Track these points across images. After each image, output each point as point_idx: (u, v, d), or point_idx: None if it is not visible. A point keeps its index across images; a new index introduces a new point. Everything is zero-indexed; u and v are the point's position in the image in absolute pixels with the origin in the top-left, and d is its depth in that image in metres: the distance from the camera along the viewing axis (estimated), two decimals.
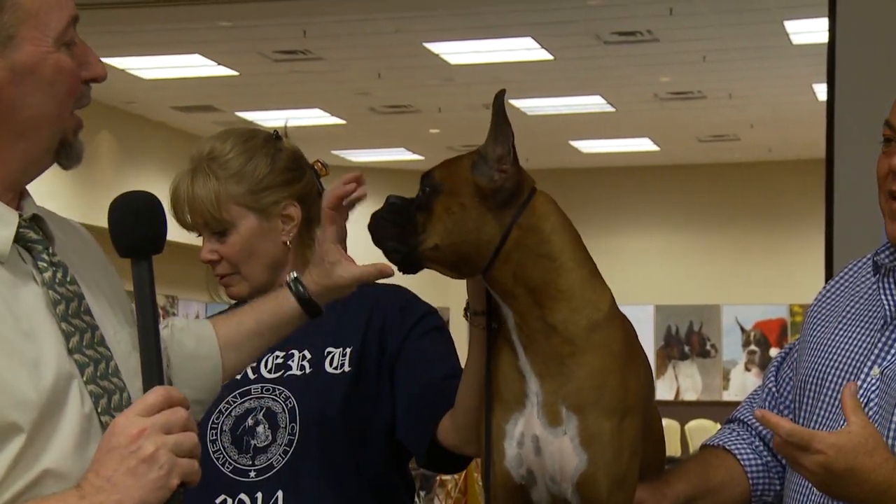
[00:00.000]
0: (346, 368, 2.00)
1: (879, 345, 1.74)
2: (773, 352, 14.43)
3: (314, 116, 11.85)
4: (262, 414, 2.00)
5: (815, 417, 1.78)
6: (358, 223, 1.80)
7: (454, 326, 2.43)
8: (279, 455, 1.97)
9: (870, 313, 1.79)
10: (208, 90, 10.90)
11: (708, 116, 12.17)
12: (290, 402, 1.99)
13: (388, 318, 2.01)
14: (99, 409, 1.44)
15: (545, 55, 9.70)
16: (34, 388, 1.38)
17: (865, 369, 1.74)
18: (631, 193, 14.94)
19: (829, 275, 3.51)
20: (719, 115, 12.07)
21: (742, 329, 14.72)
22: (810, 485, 1.71)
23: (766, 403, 1.94)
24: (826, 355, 1.80)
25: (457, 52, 9.65)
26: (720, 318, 14.81)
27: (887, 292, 1.76)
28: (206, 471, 1.98)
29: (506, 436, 1.65)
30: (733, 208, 14.64)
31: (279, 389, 2.01)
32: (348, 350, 2.01)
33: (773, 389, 1.95)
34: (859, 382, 1.72)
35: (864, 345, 1.76)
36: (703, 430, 13.74)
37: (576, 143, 13.61)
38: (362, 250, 1.84)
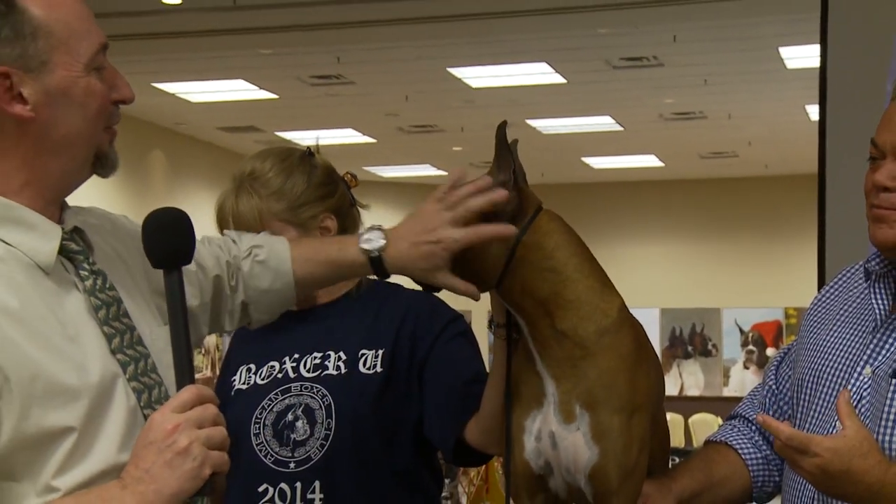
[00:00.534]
0: (378, 369, 1.99)
1: (871, 346, 1.73)
2: (770, 351, 14.38)
3: (347, 136, 11.87)
4: (301, 410, 1.99)
5: (812, 413, 1.78)
6: None
7: (475, 328, 2.43)
8: (316, 448, 1.97)
9: (862, 316, 1.78)
10: (251, 112, 10.93)
11: (709, 135, 12.14)
12: (326, 400, 1.98)
13: (418, 323, 2.00)
14: (142, 404, 1.46)
15: (559, 79, 9.70)
16: (82, 387, 1.39)
17: (858, 368, 1.73)
18: (638, 206, 14.92)
19: (821, 280, 3.49)
20: (719, 133, 12.03)
21: (741, 330, 14.66)
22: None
23: (767, 400, 1.94)
24: (822, 355, 1.79)
25: (478, 76, 9.65)
26: (720, 320, 14.76)
27: (877, 297, 1.76)
28: (250, 462, 1.99)
29: (525, 431, 1.65)
30: (732, 219, 14.60)
31: (317, 388, 2.00)
32: (380, 352, 2.00)
33: (773, 387, 1.94)
34: (853, 381, 1.72)
35: (857, 346, 1.75)
36: (704, 422, 13.68)
37: (587, 160, 13.58)
38: None
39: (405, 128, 11.68)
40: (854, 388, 1.70)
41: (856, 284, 1.85)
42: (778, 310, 14.45)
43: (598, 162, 13.69)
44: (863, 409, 1.67)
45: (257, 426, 2.01)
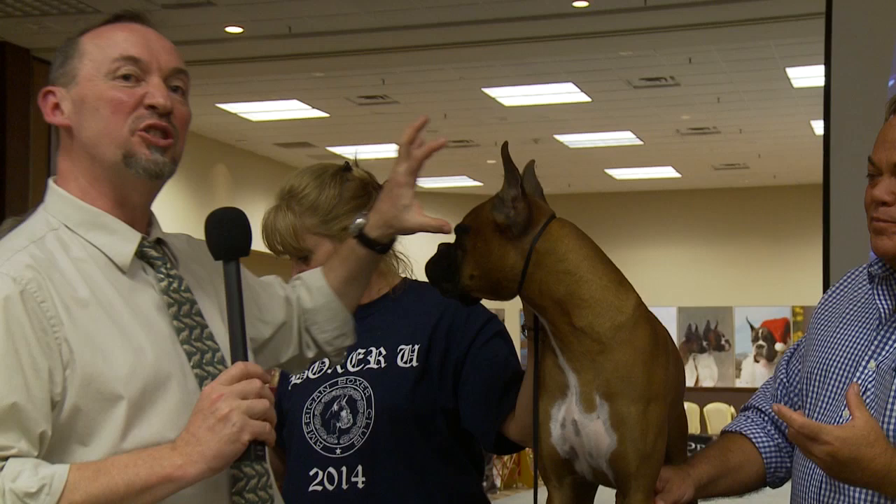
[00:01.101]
0: (414, 363, 1.98)
1: (875, 342, 1.72)
2: (779, 346, 14.27)
3: (391, 150, 11.83)
4: (345, 401, 1.99)
5: (820, 404, 1.76)
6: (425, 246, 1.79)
7: (507, 325, 2.42)
8: (359, 435, 1.96)
9: (866, 315, 1.77)
10: (304, 129, 10.98)
11: (721, 148, 12.06)
12: (367, 391, 1.98)
13: (454, 322, 1.98)
14: (202, 388, 1.48)
15: (584, 97, 9.67)
16: (138, 366, 1.43)
17: (863, 363, 1.71)
18: (657, 213, 14.85)
19: (826, 281, 3.47)
20: (731, 147, 11.96)
21: (751, 327, 14.56)
22: (813, 465, 1.69)
23: (778, 392, 1.92)
24: (829, 351, 1.78)
25: (510, 95, 9.64)
26: (733, 317, 14.66)
27: (880, 297, 1.74)
28: (302, 448, 2.00)
29: (551, 419, 1.64)
30: (743, 225, 14.51)
31: (359, 380, 2.00)
32: (417, 347, 1.99)
33: (784, 380, 1.92)
34: (858, 374, 1.70)
35: (862, 342, 1.74)
36: (718, 411, 13.61)
37: (610, 171, 13.54)
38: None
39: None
40: (860, 382, 1.68)
41: (860, 286, 1.83)
42: (786, 308, 14.34)
43: (619, 173, 13.64)
44: (868, 401, 1.65)
45: (308, 416, 2.01)
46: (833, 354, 1.77)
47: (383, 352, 2.01)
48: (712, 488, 1.80)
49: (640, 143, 11.68)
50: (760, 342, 14.50)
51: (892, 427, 1.61)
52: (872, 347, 1.71)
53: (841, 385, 1.72)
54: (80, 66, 1.49)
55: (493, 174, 12.80)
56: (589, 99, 9.71)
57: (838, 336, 1.78)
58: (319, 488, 1.96)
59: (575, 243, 1.64)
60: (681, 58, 8.39)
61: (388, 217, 1.70)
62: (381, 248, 1.73)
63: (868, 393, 1.68)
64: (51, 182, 1.54)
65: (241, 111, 10.19)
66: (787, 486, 1.87)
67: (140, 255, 1.51)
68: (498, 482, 10.60)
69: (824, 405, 1.74)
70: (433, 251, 1.70)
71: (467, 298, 1.69)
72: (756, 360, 14.47)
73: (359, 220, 1.72)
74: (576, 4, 7.09)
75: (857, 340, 1.74)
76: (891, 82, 3.44)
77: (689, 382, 14.41)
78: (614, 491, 1.67)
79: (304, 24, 7.48)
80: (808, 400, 1.80)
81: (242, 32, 7.67)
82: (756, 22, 7.35)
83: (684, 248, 14.84)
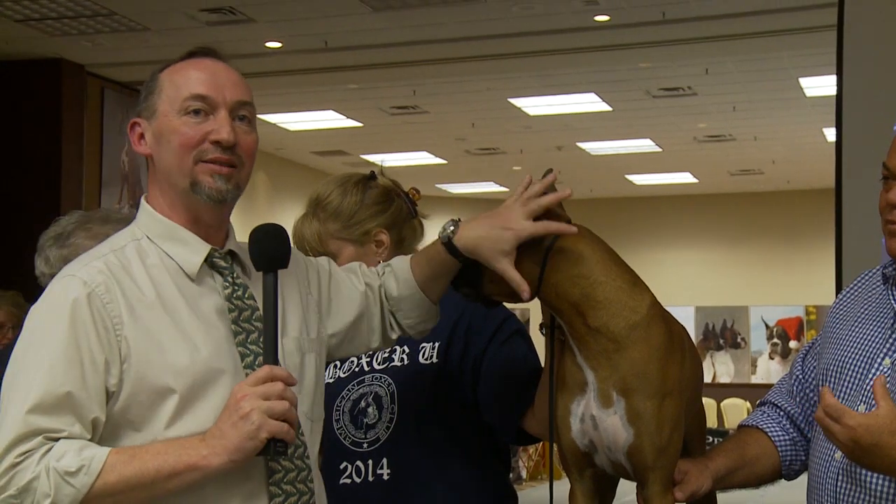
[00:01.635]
0: (435, 360, 1.97)
1: (890, 340, 1.70)
2: (793, 344, 14.16)
3: (421, 157, 11.91)
4: (371, 398, 1.99)
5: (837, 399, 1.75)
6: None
7: (535, 323, 2.41)
8: (383, 430, 1.96)
9: (881, 314, 1.75)
10: (340, 138, 11.02)
11: (737, 155, 11.99)
12: (391, 388, 1.98)
13: (473, 320, 1.97)
14: None
15: (605, 107, 9.65)
16: (190, 361, 1.50)
17: (878, 360, 1.70)
18: (675, 217, 14.79)
19: (838, 281, 3.44)
20: (746, 153, 11.89)
21: (766, 325, 14.46)
22: (831, 456, 1.67)
23: (794, 388, 1.90)
24: (845, 348, 1.76)
25: (534, 105, 9.63)
26: (748, 316, 14.57)
27: (894, 297, 1.73)
28: (332, 443, 2.00)
29: (571, 414, 1.64)
30: (758, 228, 14.42)
31: (384, 377, 2.00)
32: (437, 344, 1.98)
33: (800, 376, 1.90)
34: (873, 371, 1.69)
35: (877, 340, 1.72)
36: (734, 406, 13.53)
37: (630, 177, 13.49)
38: None
39: (472, 150, 11.70)
40: (875, 377, 1.67)
41: (874, 286, 1.81)
42: (799, 307, 14.23)
43: (639, 179, 13.59)
44: None
45: (337, 413, 2.01)
46: (848, 352, 1.75)
47: (406, 349, 2.01)
48: (729, 480, 1.79)
49: (659, 150, 11.63)
50: (775, 340, 14.40)
51: None
52: (887, 345, 1.70)
53: (856, 381, 1.70)
54: (158, 101, 1.59)
55: (518, 181, 12.75)
56: (610, 108, 9.68)
57: (853, 334, 1.77)
58: (349, 481, 1.97)
59: (589, 247, 1.63)
60: (698, 69, 8.35)
61: (481, 248, 1.65)
62: (464, 259, 1.69)
63: None
64: (143, 199, 1.65)
65: (279, 121, 10.24)
66: (802, 479, 1.86)
67: (210, 264, 1.59)
68: (524, 473, 10.58)
69: (840, 400, 1.72)
70: None
71: (488, 301, 1.70)
72: (771, 358, 14.37)
73: (450, 228, 1.68)
74: (597, 18, 7.08)
75: (872, 338, 1.73)
76: None
77: (707, 379, 14.32)
78: (636, 483, 1.66)
79: (340, 39, 7.51)
80: None
81: (281, 47, 7.71)
82: (770, 34, 7.32)
83: (701, 250, 14.76)
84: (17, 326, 3.87)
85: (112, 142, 8.21)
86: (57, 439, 1.43)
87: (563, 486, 1.74)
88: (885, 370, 1.67)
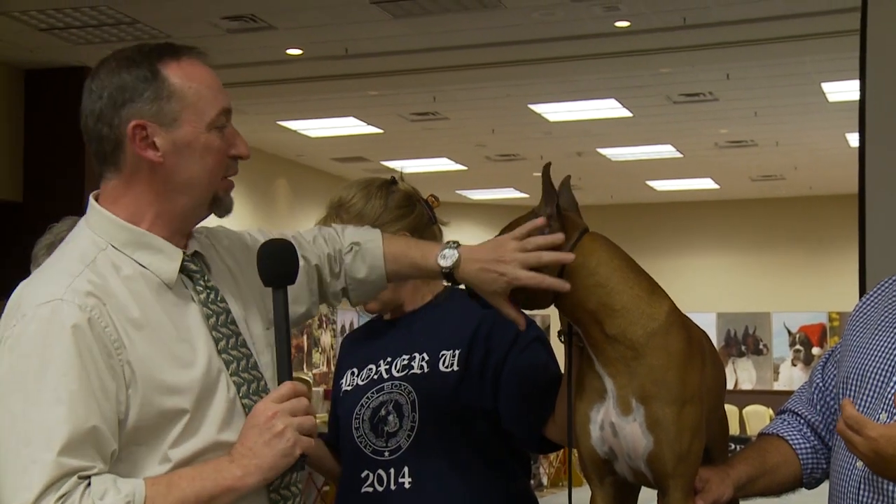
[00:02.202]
0: (455, 368, 1.97)
1: None
2: (816, 350, 14.07)
3: (442, 164, 11.92)
4: (391, 406, 1.98)
5: (857, 408, 1.72)
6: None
7: (554, 329, 2.40)
8: (405, 438, 1.96)
9: None
10: (360, 145, 11.05)
11: (759, 160, 11.93)
12: (411, 396, 1.97)
13: (493, 328, 1.97)
14: (240, 394, 1.54)
15: (626, 113, 9.63)
16: (189, 381, 1.48)
17: None
18: (696, 223, 14.73)
19: (862, 287, 3.41)
20: (768, 159, 11.83)
21: (789, 332, 14.37)
22: (853, 465, 1.66)
23: (814, 396, 1.88)
24: (865, 356, 1.74)
25: (555, 111, 9.62)
26: (770, 323, 14.48)
27: None
28: (353, 452, 2.00)
29: (590, 421, 1.63)
30: (781, 234, 14.34)
31: (404, 385, 1.99)
32: (457, 352, 1.98)
33: (820, 384, 1.89)
34: (894, 380, 1.67)
35: None
36: (756, 413, 13.45)
37: (651, 183, 13.44)
38: None
39: (492, 156, 11.69)
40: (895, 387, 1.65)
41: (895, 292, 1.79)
42: (822, 314, 14.13)
43: (660, 185, 13.54)
44: None
45: (357, 421, 2.01)
46: (869, 360, 1.73)
47: (426, 357, 2.00)
48: (750, 488, 1.77)
49: (680, 155, 11.59)
50: (798, 346, 14.30)
51: None
52: None
53: (876, 390, 1.68)
54: (180, 109, 1.51)
55: (538, 186, 12.56)
56: (630, 114, 9.66)
57: (874, 342, 1.74)
58: (370, 490, 1.96)
59: (606, 256, 1.63)
60: (719, 74, 8.32)
61: (477, 287, 1.68)
62: (456, 284, 1.73)
63: None
64: (93, 202, 1.56)
65: (300, 128, 10.27)
66: (824, 487, 1.84)
67: (181, 269, 1.55)
68: (544, 480, 10.55)
69: (860, 409, 1.70)
70: None
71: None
72: (793, 364, 14.28)
73: (451, 259, 1.68)
74: (618, 24, 7.07)
75: (893, 346, 1.71)
76: None
77: (729, 385, 14.19)
78: (657, 491, 1.65)
79: (360, 46, 7.53)
80: None
81: (302, 54, 7.74)
82: (792, 39, 7.28)
83: (723, 256, 14.69)
84: None
85: None
86: (88, 477, 1.38)
87: (582, 493, 1.73)
88: None
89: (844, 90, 8.46)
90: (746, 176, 12.89)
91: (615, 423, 1.59)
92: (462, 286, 1.75)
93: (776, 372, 14.41)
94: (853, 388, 1.73)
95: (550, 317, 10.58)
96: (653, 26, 7.09)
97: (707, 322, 13.77)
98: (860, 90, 3.56)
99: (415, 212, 2.07)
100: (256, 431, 1.46)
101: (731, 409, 12.91)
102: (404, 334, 2.05)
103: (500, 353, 1.96)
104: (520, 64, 7.93)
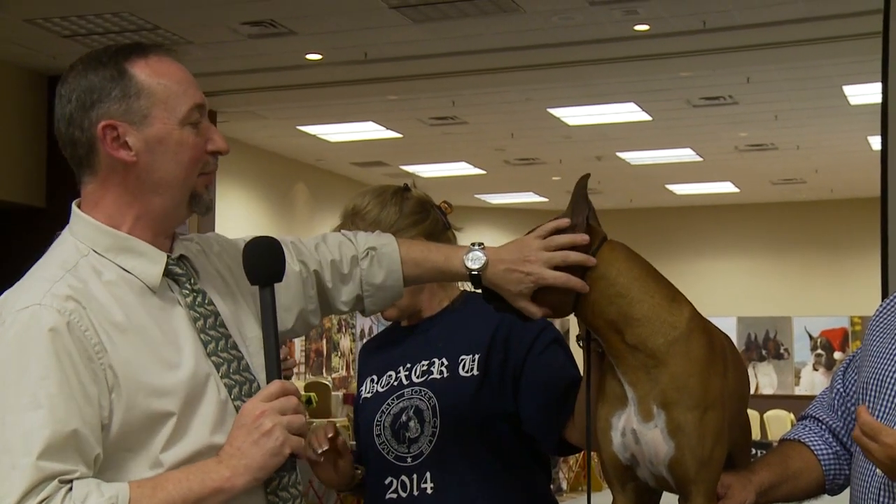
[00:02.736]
0: (475, 372, 1.96)
1: None
2: (838, 355, 13.98)
3: (461, 168, 11.92)
4: (412, 412, 1.98)
5: (876, 414, 1.70)
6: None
7: (573, 332, 2.40)
8: (426, 444, 1.95)
9: None
10: (379, 149, 11.06)
11: (779, 164, 11.88)
12: (432, 401, 1.97)
13: (511, 331, 1.96)
14: (232, 396, 1.52)
15: (645, 116, 9.60)
16: (177, 382, 1.46)
17: None
18: (716, 226, 14.67)
19: (884, 291, 3.39)
20: (789, 162, 11.77)
21: (810, 336, 14.28)
22: (872, 471, 1.64)
23: (835, 402, 1.87)
24: (884, 362, 1.73)
25: (574, 115, 9.61)
26: (791, 327, 14.40)
27: None
28: (376, 459, 2.00)
29: (611, 427, 1.62)
30: (801, 238, 14.26)
31: (424, 391, 1.99)
32: (477, 357, 1.97)
33: (841, 390, 1.87)
34: None
35: None
36: (778, 418, 13.36)
37: (671, 187, 13.40)
38: None
39: (511, 161, 11.69)
40: None
41: None
42: (844, 318, 14.04)
43: (680, 189, 13.49)
44: None
45: (378, 428, 2.00)
46: (889, 365, 1.71)
47: (445, 362, 2.00)
48: (772, 494, 1.76)
49: (700, 159, 11.55)
50: (819, 351, 14.21)
51: None
52: None
53: (895, 396, 1.67)
54: (149, 106, 1.49)
55: (558, 190, 12.76)
56: (650, 118, 9.63)
57: (893, 348, 1.73)
58: (395, 496, 1.96)
59: (626, 265, 1.62)
60: (739, 77, 8.29)
61: (502, 288, 1.67)
62: (481, 286, 1.71)
63: None
64: (75, 208, 1.54)
65: (319, 133, 10.30)
66: (846, 494, 1.83)
67: (166, 272, 1.53)
68: (564, 485, 10.52)
69: (880, 415, 1.69)
70: None
71: (523, 315, 1.69)
72: (815, 369, 14.19)
73: (482, 262, 1.67)
74: (637, 28, 7.05)
75: None
76: None
77: (749, 390, 14.17)
78: (678, 497, 1.64)
79: (379, 51, 7.55)
80: None
81: (321, 59, 7.76)
82: (813, 42, 7.24)
83: (743, 260, 14.62)
84: None
85: None
86: (70, 481, 1.35)
87: (602, 498, 1.73)
88: None
89: (866, 93, 8.41)
90: (767, 179, 12.83)
91: (637, 430, 1.59)
92: (478, 290, 1.74)
93: (797, 376, 14.32)
94: (872, 393, 1.72)
95: (569, 321, 10.53)
96: (673, 30, 7.07)
97: (727, 326, 13.63)
98: (882, 93, 3.54)
99: (429, 217, 2.08)
100: (244, 431, 1.44)
101: (752, 414, 12.82)
102: (423, 340, 2.05)
103: (519, 356, 1.96)
104: (539, 68, 7.92)
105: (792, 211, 14.26)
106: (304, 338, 11.13)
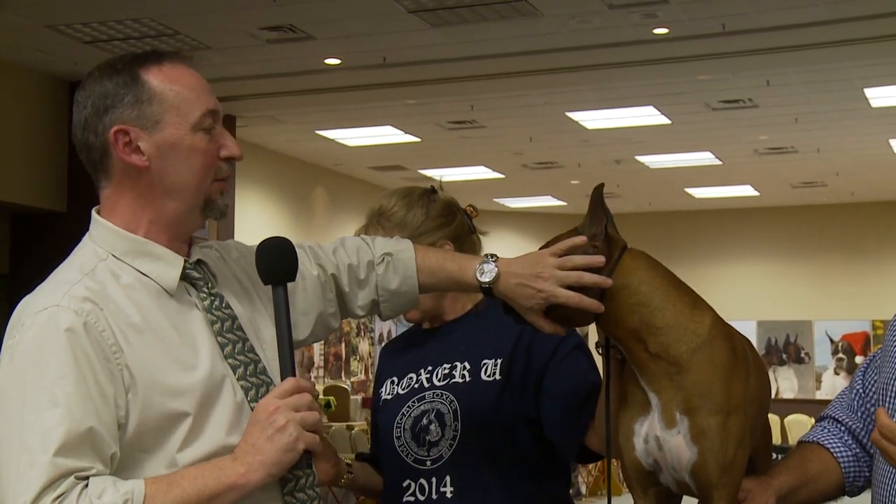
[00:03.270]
0: (497, 376, 1.96)
1: None
2: (859, 359, 13.88)
3: (479, 172, 11.92)
4: (433, 415, 1.97)
5: (895, 416, 1.70)
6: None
7: (592, 338, 2.39)
8: (447, 447, 1.95)
9: None
10: (398, 153, 11.08)
11: (799, 167, 11.82)
12: (454, 405, 1.96)
13: (534, 337, 1.94)
14: (249, 398, 1.52)
15: (664, 120, 9.58)
16: (192, 383, 1.47)
17: None
18: (736, 230, 14.60)
19: None
20: (809, 166, 11.71)
21: (831, 340, 14.19)
22: (892, 473, 1.63)
23: (854, 403, 1.86)
24: None
25: (592, 119, 9.60)
26: (812, 331, 14.32)
27: None
28: (395, 461, 1.99)
29: (634, 434, 1.62)
30: (822, 241, 14.18)
31: (445, 394, 1.98)
32: (499, 361, 1.97)
33: (860, 390, 1.86)
34: None
35: None
36: (798, 422, 13.28)
37: (690, 190, 13.36)
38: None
39: (529, 164, 11.68)
40: None
41: None
42: (866, 322, 13.95)
43: (699, 192, 13.45)
44: None
45: (398, 430, 2.00)
46: None
47: (467, 366, 1.99)
48: (792, 498, 1.75)
49: (720, 162, 11.51)
50: (840, 355, 14.12)
51: None
52: None
53: None
54: (161, 112, 1.51)
55: (576, 194, 12.74)
56: (669, 121, 9.61)
57: None
58: (412, 499, 1.95)
59: (647, 274, 1.61)
60: (759, 80, 8.26)
61: (514, 302, 1.67)
62: (493, 298, 1.71)
63: None
64: (95, 214, 1.57)
65: (338, 137, 10.33)
66: (866, 495, 1.82)
67: (183, 276, 1.54)
68: (583, 489, 10.50)
69: None
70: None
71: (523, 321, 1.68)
72: (836, 373, 14.10)
73: (493, 276, 1.67)
74: (656, 31, 7.04)
75: None
76: None
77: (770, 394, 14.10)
78: (699, 501, 1.64)
79: (398, 55, 7.57)
80: (886, 410, 1.73)
81: (340, 64, 7.79)
82: (833, 45, 7.20)
83: (763, 263, 14.55)
84: None
85: None
86: (86, 478, 1.37)
87: (622, 502, 1.72)
88: None
89: (888, 95, 8.36)
90: (787, 182, 12.76)
91: (660, 436, 1.58)
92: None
93: (818, 381, 14.24)
94: (891, 396, 1.71)
95: (589, 327, 10.50)
96: (691, 33, 7.05)
97: (747, 330, 13.64)
98: None
99: (455, 221, 2.07)
100: (259, 428, 1.44)
101: (772, 418, 12.73)
102: (445, 343, 2.04)
103: (542, 362, 1.95)
104: (557, 72, 7.91)
105: (812, 214, 14.18)
106: (322, 342, 11.15)
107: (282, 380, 1.51)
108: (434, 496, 1.94)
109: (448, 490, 1.93)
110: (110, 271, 1.49)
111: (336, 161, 11.47)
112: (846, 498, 1.86)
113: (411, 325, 2.15)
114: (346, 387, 11.28)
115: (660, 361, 1.57)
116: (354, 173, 12.12)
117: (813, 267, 14.27)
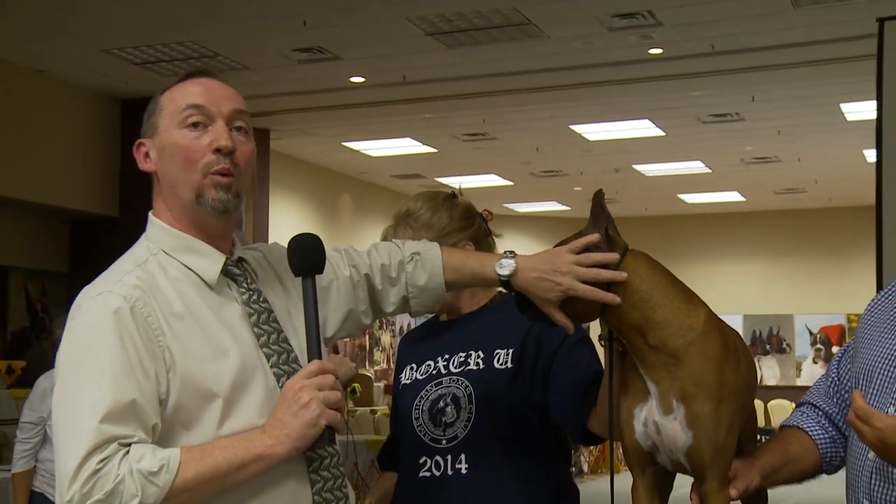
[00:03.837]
0: (509, 365, 1.95)
1: None
2: (835, 349, 13.81)
3: (490, 180, 11.92)
4: (449, 398, 1.97)
5: (867, 400, 1.69)
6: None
7: (594, 332, 2.39)
8: (461, 428, 1.94)
9: None
10: (417, 163, 11.10)
11: (782, 175, 11.78)
12: (468, 390, 1.96)
13: (543, 330, 1.92)
14: (280, 384, 1.52)
15: (659, 132, 9.56)
16: (226, 367, 1.48)
17: None
18: (724, 233, 14.56)
19: (879, 291, 3.35)
20: (790, 174, 11.67)
21: (810, 332, 14.14)
22: (865, 455, 1.63)
23: (830, 389, 1.85)
24: (874, 353, 1.71)
25: (594, 131, 9.59)
26: (793, 324, 14.26)
27: None
28: (413, 441, 1.99)
29: (634, 418, 1.62)
30: (802, 243, 14.13)
31: (461, 380, 1.98)
32: (511, 350, 1.96)
33: (835, 378, 1.85)
34: None
35: None
36: (780, 407, 13.25)
37: (682, 196, 13.32)
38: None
39: (536, 173, 11.67)
40: None
41: None
42: (841, 315, 13.89)
43: (691, 198, 13.41)
44: None
45: (417, 412, 1.99)
46: (877, 356, 1.69)
47: (481, 355, 1.99)
48: (775, 477, 1.74)
49: (709, 171, 11.48)
50: (818, 346, 14.07)
51: None
52: None
53: (884, 384, 1.65)
54: (159, 119, 1.54)
55: (580, 199, 12.72)
56: (663, 133, 9.59)
57: (883, 340, 1.71)
58: (428, 474, 1.95)
59: (648, 273, 1.60)
60: (745, 96, 8.25)
61: (532, 294, 1.65)
62: (511, 291, 1.70)
63: None
64: (150, 214, 1.60)
65: (362, 148, 10.35)
66: (841, 474, 1.81)
67: (225, 272, 1.55)
68: (585, 468, 10.48)
69: (870, 401, 1.67)
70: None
71: (551, 322, 1.68)
72: (815, 362, 14.05)
73: (511, 269, 1.66)
74: (651, 51, 7.03)
75: None
76: None
77: None
78: (692, 477, 1.63)
79: (416, 73, 7.58)
80: None
81: (364, 81, 7.80)
82: (813, 64, 7.20)
83: (749, 263, 14.50)
84: None
85: None
86: (129, 444, 1.39)
87: (621, 479, 1.72)
88: None
89: (862, 110, 8.33)
90: (770, 189, 12.72)
91: (658, 421, 1.58)
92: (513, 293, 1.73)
93: (798, 369, 14.18)
94: (863, 382, 1.70)
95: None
96: (684, 53, 7.05)
97: (735, 323, 13.39)
98: (877, 110, 3.50)
99: (475, 223, 2.07)
100: (286, 405, 1.45)
101: (757, 403, 12.63)
102: (461, 334, 2.04)
103: (549, 352, 1.95)
104: (562, 88, 7.92)
105: (793, 218, 14.13)
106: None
107: (308, 362, 1.50)
108: (449, 472, 1.94)
109: (463, 467, 1.93)
110: (160, 264, 1.51)
111: (361, 170, 11.49)
112: (824, 476, 1.85)
113: (429, 317, 2.14)
114: (370, 375, 11.30)
115: (658, 353, 1.57)
116: (377, 181, 12.14)
117: (794, 266, 14.22)
